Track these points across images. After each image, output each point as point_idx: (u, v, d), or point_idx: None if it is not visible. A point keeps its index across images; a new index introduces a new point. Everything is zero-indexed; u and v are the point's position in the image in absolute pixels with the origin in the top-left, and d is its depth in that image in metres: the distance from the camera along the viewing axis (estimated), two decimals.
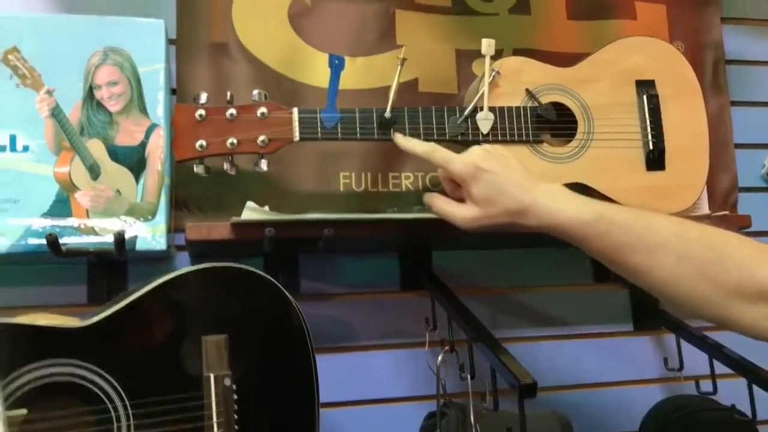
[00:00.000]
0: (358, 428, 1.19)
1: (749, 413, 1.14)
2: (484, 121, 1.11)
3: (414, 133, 1.10)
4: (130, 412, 0.81)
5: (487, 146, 0.99)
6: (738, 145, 1.44)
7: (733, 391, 1.17)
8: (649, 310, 1.34)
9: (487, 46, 1.11)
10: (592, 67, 1.21)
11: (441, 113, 1.11)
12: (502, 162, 0.92)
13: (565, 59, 1.24)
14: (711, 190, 1.34)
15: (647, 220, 0.82)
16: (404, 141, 1.05)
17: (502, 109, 1.13)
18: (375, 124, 1.09)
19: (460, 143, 1.16)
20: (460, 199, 0.97)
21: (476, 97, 1.11)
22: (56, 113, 1.04)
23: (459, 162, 0.93)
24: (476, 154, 0.93)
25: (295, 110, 1.06)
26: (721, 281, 0.75)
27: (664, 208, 1.16)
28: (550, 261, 1.31)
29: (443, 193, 1.02)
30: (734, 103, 1.45)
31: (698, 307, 0.78)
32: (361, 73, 1.26)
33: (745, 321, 0.74)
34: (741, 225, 1.25)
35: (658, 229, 0.81)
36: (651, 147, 1.19)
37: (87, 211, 1.03)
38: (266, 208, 1.07)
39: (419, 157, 1.03)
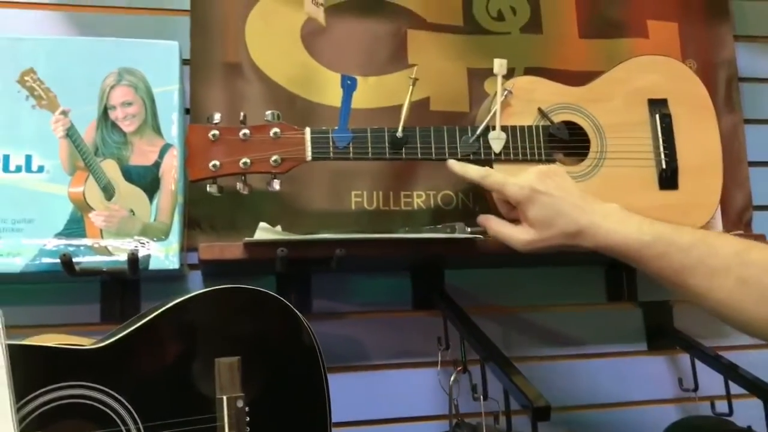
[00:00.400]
0: None
1: None
2: (497, 141, 1.11)
3: (425, 153, 1.10)
4: None
5: (542, 167, 0.98)
6: (752, 163, 1.43)
7: (749, 412, 1.16)
8: (663, 330, 1.33)
9: (499, 65, 1.12)
10: (604, 86, 1.21)
11: (453, 133, 1.12)
12: (558, 183, 0.92)
13: (577, 78, 1.24)
14: (725, 209, 1.33)
15: (708, 242, 0.82)
16: (459, 167, 1.05)
17: (514, 128, 1.14)
18: (387, 144, 1.09)
19: (471, 162, 1.16)
20: (515, 221, 0.97)
21: (488, 117, 1.11)
22: (71, 134, 1.05)
23: (514, 185, 0.93)
24: (532, 175, 0.93)
25: (308, 130, 1.07)
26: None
27: None
28: (563, 280, 1.31)
29: (491, 212, 1.04)
30: (747, 121, 1.45)
31: (753, 330, 0.77)
32: (372, 93, 1.27)
33: None
34: None
35: (718, 251, 0.80)
36: (664, 166, 1.19)
37: (101, 230, 1.04)
38: (278, 227, 1.07)
39: (467, 180, 1.04)
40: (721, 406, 1.20)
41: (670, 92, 1.22)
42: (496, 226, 0.97)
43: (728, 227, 1.30)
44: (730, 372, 1.17)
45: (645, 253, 0.84)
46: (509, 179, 0.95)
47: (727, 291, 0.78)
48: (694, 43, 1.43)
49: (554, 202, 0.89)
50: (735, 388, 1.18)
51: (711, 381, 1.23)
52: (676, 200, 1.18)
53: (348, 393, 1.17)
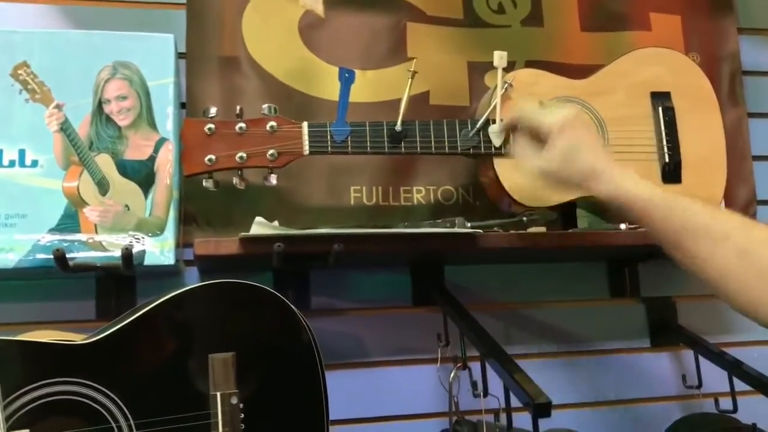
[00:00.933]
0: None
1: None
2: (497, 134, 1.10)
3: (425, 147, 1.09)
4: (134, 431, 0.80)
5: (575, 111, 1.00)
6: (756, 157, 1.41)
7: (754, 409, 1.15)
8: (666, 326, 1.31)
9: (500, 58, 1.10)
10: (606, 79, 1.19)
11: (452, 126, 1.10)
12: (588, 128, 0.98)
13: (579, 71, 1.23)
14: (729, 203, 1.31)
15: (714, 211, 0.83)
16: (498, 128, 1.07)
17: None
18: (385, 138, 1.07)
19: (471, 156, 1.14)
20: None
21: (488, 110, 1.10)
22: (65, 128, 1.04)
23: (552, 115, 0.96)
24: (568, 112, 0.97)
25: (305, 124, 1.05)
26: None
27: None
28: (565, 276, 1.29)
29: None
30: (752, 115, 1.43)
31: (752, 307, 0.76)
32: (371, 86, 1.25)
33: None
34: None
35: (724, 219, 0.81)
36: (667, 159, 1.17)
37: (95, 226, 1.02)
38: (276, 223, 1.06)
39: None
40: (725, 403, 1.19)
41: (674, 85, 1.21)
42: (521, 147, 1.01)
43: None
44: (735, 368, 1.16)
45: (652, 209, 0.85)
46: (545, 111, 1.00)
47: (727, 260, 0.77)
48: (698, 36, 1.41)
49: (581, 139, 0.93)
50: (739, 385, 1.16)
51: (715, 378, 1.21)
52: (680, 194, 1.16)
53: (347, 390, 1.16)
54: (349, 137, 1.06)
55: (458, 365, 1.07)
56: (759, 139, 1.42)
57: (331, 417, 0.93)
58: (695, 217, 0.82)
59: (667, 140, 1.18)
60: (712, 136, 1.22)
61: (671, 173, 1.17)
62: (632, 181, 0.88)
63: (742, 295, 0.77)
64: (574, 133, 0.93)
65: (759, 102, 1.44)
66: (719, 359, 1.19)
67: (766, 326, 0.77)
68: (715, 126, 1.23)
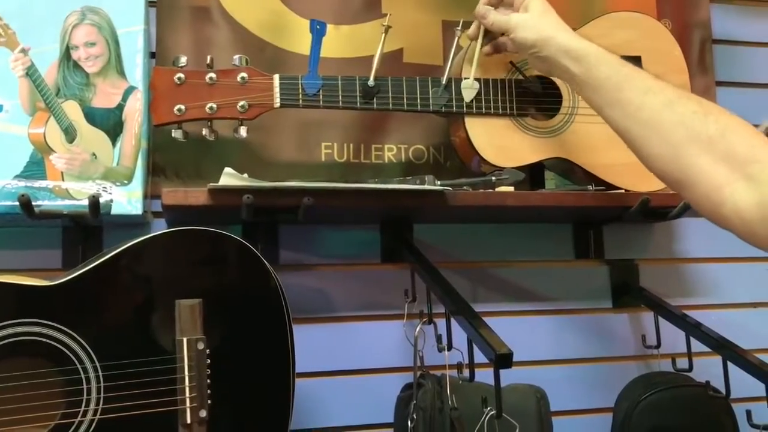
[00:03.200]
0: (335, 399, 1.19)
1: (723, 390, 1.15)
2: (469, 90, 1.10)
3: (397, 103, 1.09)
4: (100, 373, 0.80)
5: None
6: None
7: (708, 369, 1.18)
8: (628, 288, 1.34)
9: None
10: None
11: (425, 84, 1.10)
12: None
13: None
14: None
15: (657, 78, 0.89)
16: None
17: (486, 80, 1.12)
18: (358, 93, 1.07)
19: (443, 115, 1.15)
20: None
21: (460, 67, 1.10)
22: (31, 73, 1.02)
23: None
24: None
25: (276, 76, 1.04)
26: (697, 130, 0.77)
27: (646, 186, 1.16)
28: (532, 237, 1.31)
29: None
30: (720, 83, 1.45)
31: (668, 157, 0.80)
32: (345, 42, 1.24)
33: (699, 176, 0.77)
34: None
35: (664, 82, 0.86)
36: None
37: (62, 173, 1.01)
38: (245, 175, 1.06)
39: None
40: (682, 363, 1.22)
41: (645, 50, 1.22)
42: (495, 14, 1.07)
43: None
44: (693, 330, 1.19)
45: (600, 56, 0.92)
46: None
47: (653, 110, 0.82)
48: (670, 3, 1.42)
49: (551, 7, 1.02)
50: (696, 346, 1.19)
51: (674, 339, 1.24)
52: None
53: (313, 344, 1.17)
54: (320, 91, 1.06)
55: (424, 320, 1.09)
56: (726, 107, 1.43)
57: (297, 370, 0.94)
58: (639, 71, 0.90)
59: None
60: None
61: None
62: (586, 41, 0.97)
63: (660, 145, 0.81)
64: (547, 3, 1.03)
65: (727, 71, 1.46)
66: (679, 321, 1.22)
67: (671, 179, 0.82)
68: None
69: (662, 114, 0.81)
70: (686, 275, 1.39)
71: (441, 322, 1.04)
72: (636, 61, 1.21)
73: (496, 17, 1.05)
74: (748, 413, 1.11)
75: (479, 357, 0.92)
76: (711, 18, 1.46)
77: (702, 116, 0.78)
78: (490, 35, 1.10)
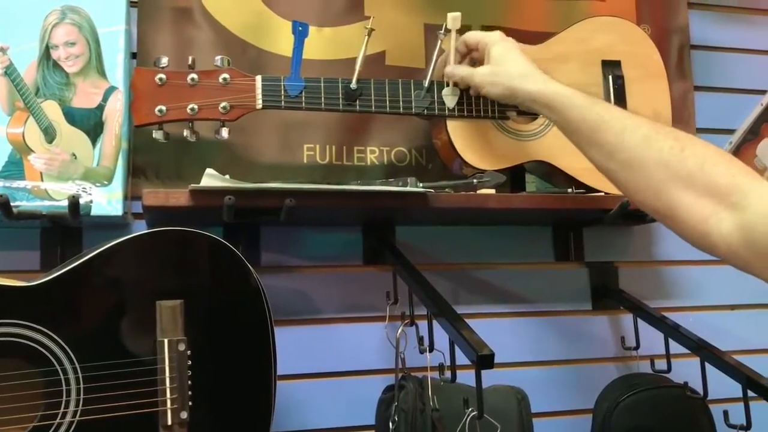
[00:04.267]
0: (317, 401, 1.18)
1: (701, 391, 1.16)
2: (450, 97, 1.11)
3: (380, 106, 1.09)
4: (80, 375, 0.79)
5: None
6: (700, 130, 1.45)
7: (686, 370, 1.20)
8: (607, 290, 1.35)
9: (452, 20, 1.10)
10: (560, 46, 1.21)
11: (408, 86, 1.11)
12: (516, 44, 1.06)
13: (534, 37, 1.24)
14: None
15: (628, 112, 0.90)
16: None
17: None
18: (340, 95, 1.07)
19: (425, 117, 1.15)
20: None
21: (443, 71, 1.10)
22: (10, 72, 1.01)
23: (486, 33, 1.08)
24: (498, 33, 1.08)
25: (259, 77, 1.04)
26: (677, 167, 0.78)
27: None
28: (513, 239, 1.32)
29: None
30: (697, 88, 1.47)
31: (652, 196, 0.81)
32: (327, 44, 1.24)
33: (684, 212, 0.77)
34: None
35: (637, 116, 0.87)
36: None
37: (41, 174, 1.00)
38: (227, 176, 1.05)
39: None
40: (661, 365, 1.23)
41: (624, 54, 1.23)
42: (460, 68, 1.08)
43: None
44: (672, 331, 1.20)
45: (575, 101, 0.92)
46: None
47: (634, 149, 0.82)
48: (649, 9, 1.44)
49: (513, 48, 1.04)
50: (675, 349, 1.21)
51: (652, 340, 1.25)
52: None
53: (295, 346, 1.17)
54: (303, 92, 1.05)
55: (405, 322, 1.09)
56: (703, 112, 1.46)
57: (279, 372, 0.94)
58: (611, 110, 0.89)
59: None
60: (659, 107, 1.25)
61: None
62: (557, 83, 0.97)
63: (642, 183, 0.81)
64: (510, 43, 1.05)
65: (705, 76, 1.48)
66: (658, 323, 1.23)
67: (656, 213, 0.82)
68: (663, 96, 1.26)
69: (641, 153, 0.81)
70: (665, 277, 1.41)
71: (423, 324, 1.04)
72: (615, 65, 1.23)
73: (463, 74, 1.07)
74: (725, 413, 1.13)
75: (461, 358, 0.93)
76: (689, 24, 1.48)
77: (679, 151, 0.79)
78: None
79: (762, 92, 1.49)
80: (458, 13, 1.10)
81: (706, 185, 0.76)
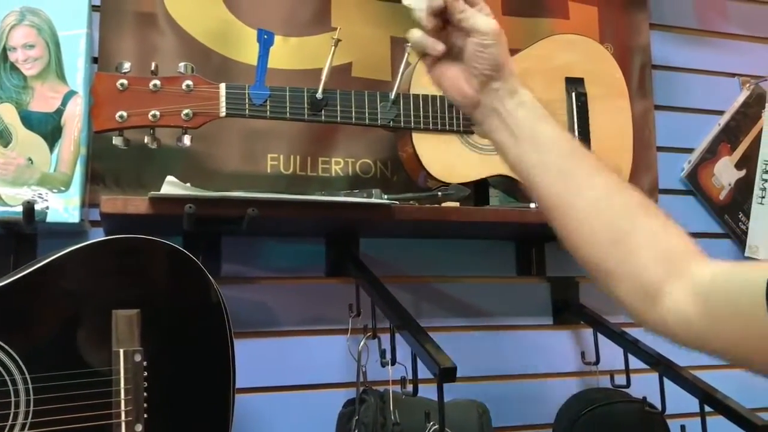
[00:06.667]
0: (276, 414, 1.17)
1: (659, 406, 1.17)
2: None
3: (345, 117, 1.09)
4: (30, 385, 0.76)
5: None
6: (660, 148, 1.48)
7: (646, 385, 1.20)
8: (569, 305, 1.36)
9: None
10: (524, 62, 1.22)
11: (374, 97, 1.11)
12: None
13: None
14: None
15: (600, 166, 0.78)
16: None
17: (434, 98, 1.13)
18: (306, 104, 1.07)
19: (391, 129, 1.15)
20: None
21: (409, 83, 1.11)
22: None
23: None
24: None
25: (223, 85, 1.03)
26: (645, 223, 0.72)
27: None
28: (475, 253, 1.32)
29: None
30: (658, 107, 1.49)
31: (605, 245, 0.73)
32: (293, 54, 1.24)
33: (640, 269, 0.71)
34: None
35: (604, 173, 0.77)
36: None
37: None
38: (188, 185, 1.03)
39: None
40: (620, 380, 1.24)
41: (588, 72, 1.25)
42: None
43: None
44: (631, 346, 1.21)
45: (549, 120, 0.80)
46: None
47: (602, 190, 0.74)
48: (612, 28, 1.46)
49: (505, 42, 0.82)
50: (635, 363, 1.22)
51: (612, 355, 1.26)
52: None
53: (255, 358, 1.15)
54: (268, 101, 1.05)
55: (368, 335, 1.08)
56: (663, 131, 1.49)
57: (238, 385, 0.92)
58: (585, 158, 0.78)
59: (578, 125, 1.22)
60: (620, 124, 1.27)
61: None
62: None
63: (598, 232, 0.73)
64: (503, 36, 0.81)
65: (665, 95, 1.51)
66: (618, 338, 1.24)
67: (599, 274, 0.74)
68: (624, 114, 1.28)
69: (612, 198, 0.74)
70: None
71: (385, 337, 1.03)
72: (579, 82, 1.24)
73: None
74: (683, 428, 1.13)
75: (423, 372, 0.92)
76: (651, 44, 1.50)
77: (646, 208, 0.73)
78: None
79: (720, 113, 1.53)
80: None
81: (665, 248, 0.71)
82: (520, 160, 0.80)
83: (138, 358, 0.81)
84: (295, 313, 1.21)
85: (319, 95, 1.06)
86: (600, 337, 1.29)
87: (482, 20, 0.80)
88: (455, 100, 0.84)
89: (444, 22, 0.81)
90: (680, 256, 0.71)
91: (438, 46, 0.81)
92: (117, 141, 1.00)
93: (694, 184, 1.50)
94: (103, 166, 1.11)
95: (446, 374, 0.84)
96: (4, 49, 1.00)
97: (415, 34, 0.82)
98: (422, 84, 1.11)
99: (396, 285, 1.20)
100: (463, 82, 0.81)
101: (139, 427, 0.81)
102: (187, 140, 1.03)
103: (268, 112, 1.05)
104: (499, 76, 0.80)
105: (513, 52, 1.21)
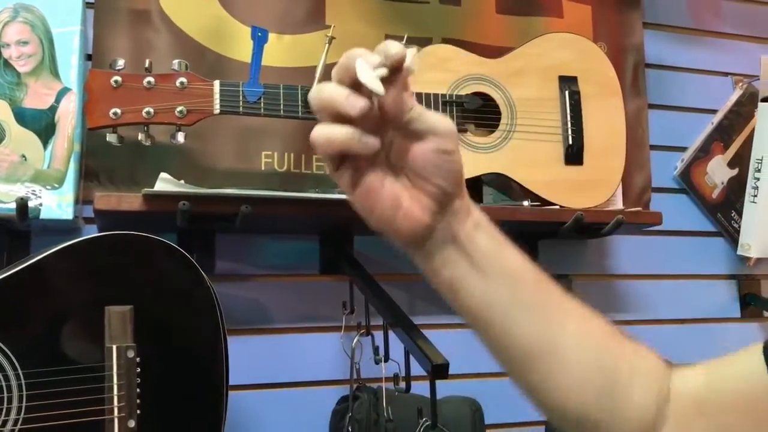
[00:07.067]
0: (270, 412, 1.17)
1: None
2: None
3: None
4: (23, 381, 0.76)
5: None
6: (653, 147, 1.48)
7: None
8: None
9: (411, 56, 1.09)
10: (518, 60, 1.22)
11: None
12: None
13: (492, 52, 1.26)
14: (626, 188, 1.37)
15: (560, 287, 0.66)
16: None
17: (428, 95, 1.14)
18: (300, 102, 1.07)
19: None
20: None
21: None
22: None
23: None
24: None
25: (217, 82, 1.03)
26: (636, 360, 0.65)
27: (581, 202, 1.19)
28: None
29: None
30: (651, 106, 1.50)
31: (596, 390, 0.63)
32: (287, 51, 1.24)
33: (634, 412, 0.62)
34: (653, 222, 1.28)
35: (567, 295, 0.66)
36: (570, 142, 1.22)
37: None
38: (182, 182, 1.04)
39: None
40: None
41: (581, 71, 1.25)
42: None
43: (628, 205, 1.35)
44: None
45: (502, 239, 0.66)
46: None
47: (574, 331, 0.63)
48: (606, 27, 1.47)
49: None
50: None
51: None
52: (580, 176, 1.22)
53: (249, 356, 1.15)
54: (262, 98, 1.05)
55: (361, 332, 1.08)
56: (656, 130, 1.49)
57: (232, 382, 0.92)
58: (541, 273, 0.66)
59: (571, 123, 1.22)
60: (614, 123, 1.28)
61: (573, 156, 1.22)
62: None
63: (583, 372, 0.62)
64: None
65: (659, 94, 1.51)
66: None
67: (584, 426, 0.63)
68: (618, 113, 1.28)
69: (591, 326, 0.63)
70: (618, 291, 1.43)
71: (378, 334, 1.03)
72: (572, 81, 1.25)
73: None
74: None
75: (416, 369, 0.92)
76: (644, 43, 1.51)
77: (612, 330, 0.63)
78: None
79: (713, 111, 1.54)
80: (417, 52, 1.09)
81: (659, 387, 0.64)
82: (491, 302, 0.62)
83: (131, 354, 0.81)
84: (289, 311, 1.21)
85: None
86: None
87: (438, 118, 0.58)
88: (395, 230, 0.59)
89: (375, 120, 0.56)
90: (662, 379, 0.65)
91: (371, 142, 0.55)
92: (111, 138, 1.00)
93: (687, 183, 1.51)
94: (97, 163, 1.11)
95: (439, 371, 0.84)
96: None
97: (341, 129, 0.54)
98: (418, 80, 1.11)
99: (389, 282, 1.20)
100: (411, 203, 0.58)
101: (131, 423, 0.81)
102: (181, 137, 1.03)
103: (262, 110, 1.05)
104: (460, 192, 0.61)
105: (507, 50, 1.25)
